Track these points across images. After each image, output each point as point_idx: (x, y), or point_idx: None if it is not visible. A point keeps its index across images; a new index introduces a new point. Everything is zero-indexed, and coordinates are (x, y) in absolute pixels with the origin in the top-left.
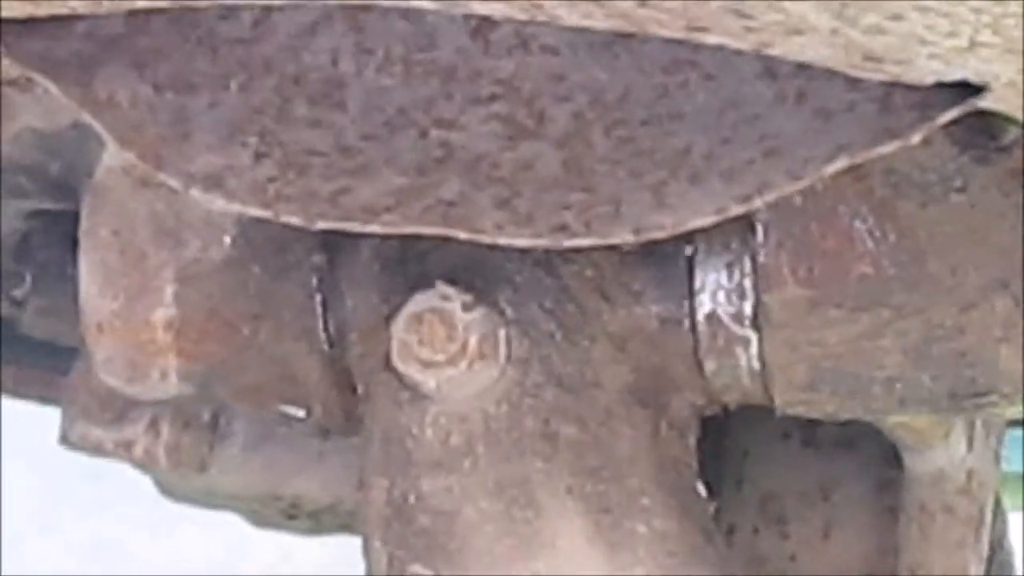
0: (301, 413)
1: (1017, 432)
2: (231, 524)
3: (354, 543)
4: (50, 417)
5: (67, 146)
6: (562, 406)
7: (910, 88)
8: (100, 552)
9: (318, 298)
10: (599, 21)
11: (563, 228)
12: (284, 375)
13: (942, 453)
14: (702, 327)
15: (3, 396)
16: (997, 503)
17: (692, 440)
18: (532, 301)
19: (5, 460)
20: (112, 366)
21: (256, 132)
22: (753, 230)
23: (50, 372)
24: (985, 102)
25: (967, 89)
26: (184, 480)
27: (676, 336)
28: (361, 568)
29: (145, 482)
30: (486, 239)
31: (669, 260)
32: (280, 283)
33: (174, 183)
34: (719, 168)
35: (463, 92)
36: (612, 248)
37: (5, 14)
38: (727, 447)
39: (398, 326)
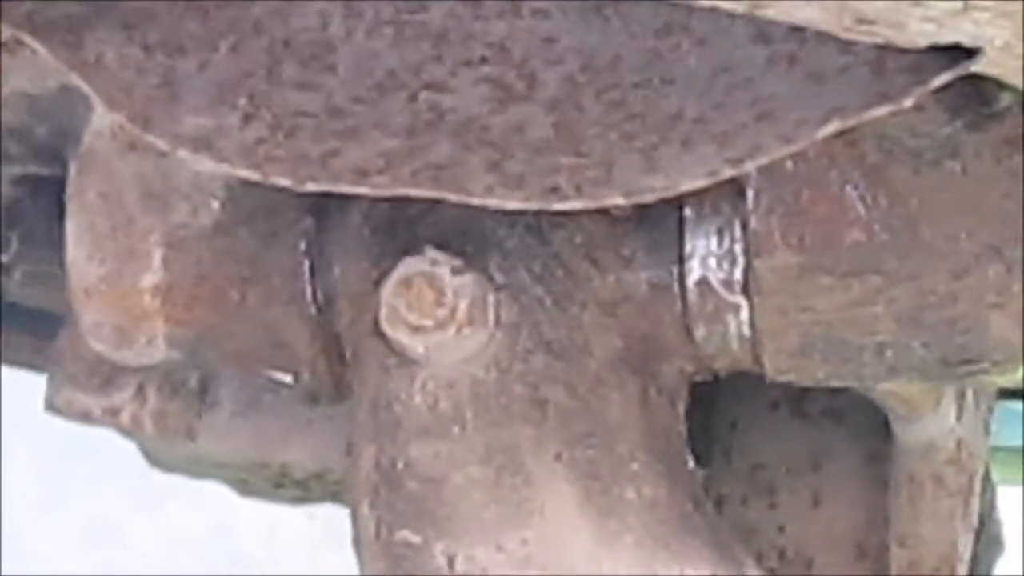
0: (289, 379)
1: (1017, 406)
2: (218, 498)
3: (341, 520)
4: (39, 387)
5: (55, 110)
6: (551, 372)
7: (903, 52)
8: (86, 529)
9: (307, 263)
10: None
11: (554, 190)
12: (272, 340)
13: (932, 423)
14: (692, 293)
15: None
16: (986, 474)
17: (681, 407)
18: (522, 266)
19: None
20: (99, 331)
21: (245, 94)
22: (744, 196)
23: (37, 338)
24: (979, 66)
25: (961, 53)
26: (171, 448)
27: (666, 302)
28: (348, 545)
29: (131, 458)
30: (476, 201)
31: (659, 226)
32: (269, 248)
33: (162, 144)
34: (711, 132)
35: (453, 55)
36: (602, 214)
37: None
38: (716, 417)
39: (387, 291)
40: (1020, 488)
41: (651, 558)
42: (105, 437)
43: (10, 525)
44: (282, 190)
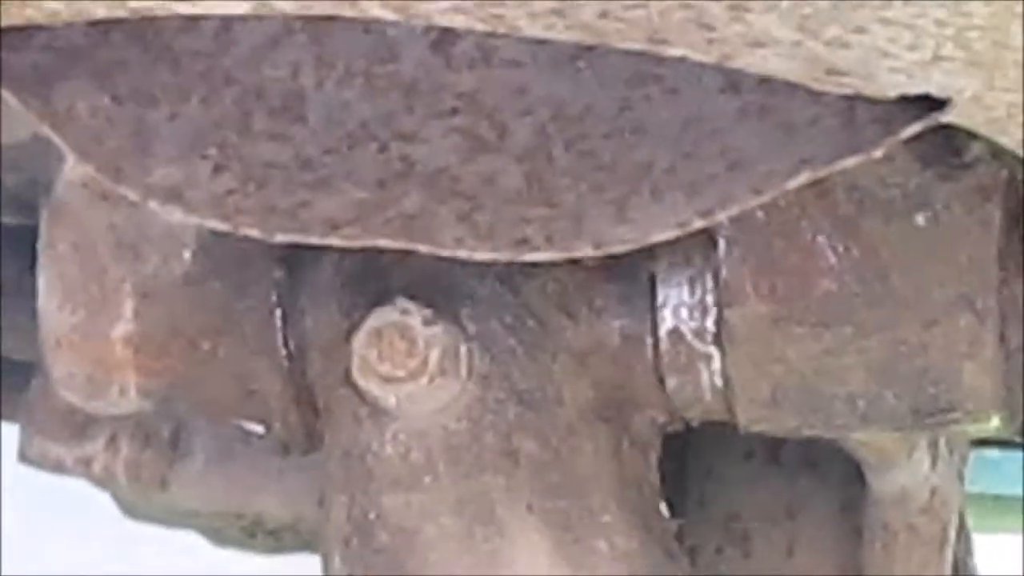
0: (261, 429)
1: (1016, 454)
2: (192, 548)
3: (314, 570)
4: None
5: (27, 159)
6: (523, 422)
7: (873, 102)
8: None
9: (278, 313)
10: (561, 33)
11: (524, 242)
12: (244, 391)
13: (905, 472)
14: (664, 343)
15: None
16: (961, 522)
17: (654, 457)
18: (493, 317)
19: None
20: (71, 382)
21: (216, 145)
22: (715, 245)
23: (8, 389)
24: (948, 117)
25: (930, 103)
26: (144, 498)
27: (638, 352)
28: None
29: (106, 506)
30: (447, 252)
31: (631, 276)
32: (240, 298)
33: (133, 196)
34: (681, 182)
35: (424, 106)
36: (574, 263)
37: None
38: (690, 466)
39: (358, 341)
40: (997, 536)
41: None
42: (80, 485)
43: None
44: (253, 241)
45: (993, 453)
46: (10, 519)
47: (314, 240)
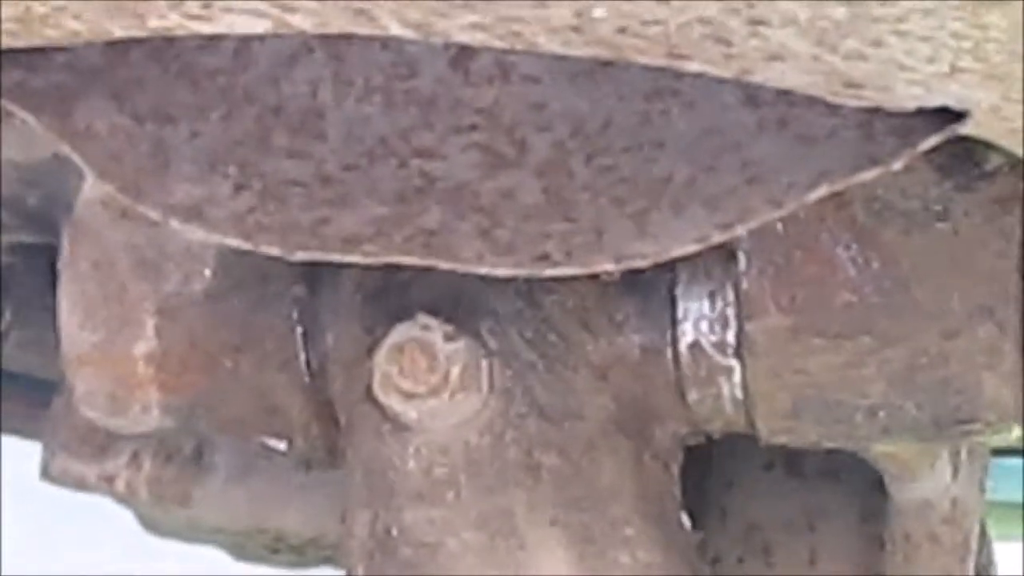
0: (283, 445)
1: (1016, 462)
2: (213, 561)
3: None
4: (36, 448)
5: (46, 178)
6: (545, 437)
7: (891, 115)
8: None
9: (299, 330)
10: (579, 49)
11: (544, 257)
12: (266, 407)
13: (927, 482)
14: (685, 356)
15: None
16: (982, 532)
17: (675, 470)
18: (514, 331)
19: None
20: (93, 399)
21: (236, 163)
22: (735, 258)
23: (31, 406)
24: (967, 128)
25: (949, 115)
26: (166, 514)
27: (659, 366)
28: None
29: (126, 519)
30: (467, 268)
31: (651, 290)
32: (261, 315)
33: (153, 214)
34: (701, 196)
35: (443, 121)
36: (594, 278)
37: None
38: (711, 478)
39: (379, 357)
40: (1019, 544)
41: None
42: (100, 500)
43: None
44: (274, 258)
45: (1015, 462)
46: (25, 529)
47: (334, 257)
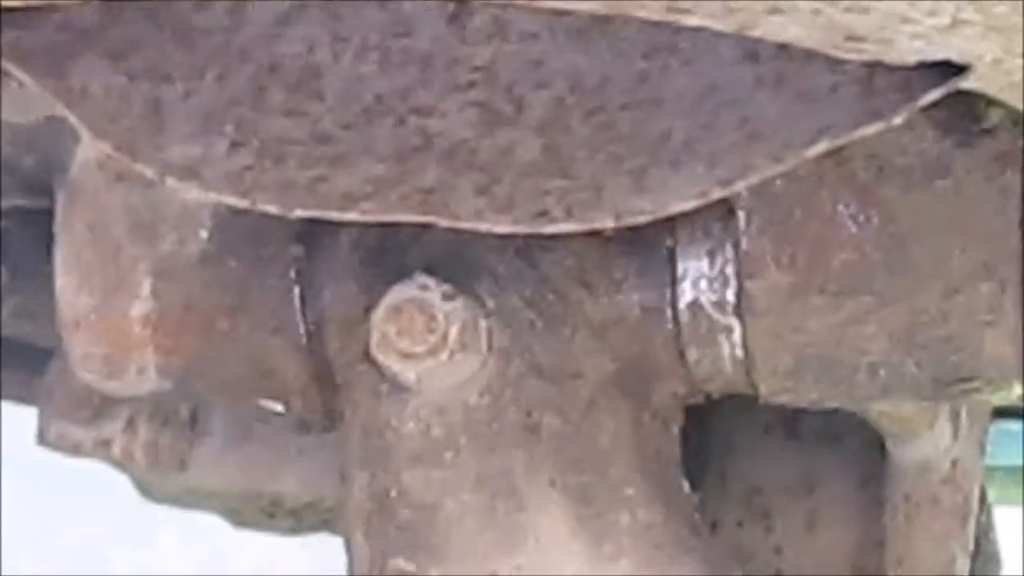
0: (280, 407)
1: (1016, 426)
2: (210, 529)
3: (334, 549)
4: (30, 419)
5: (41, 140)
6: (544, 397)
7: (892, 69)
8: (78, 561)
9: (296, 290)
10: (578, 3)
11: (543, 214)
12: (263, 369)
13: (927, 442)
14: (684, 315)
15: None
16: (982, 493)
17: (675, 430)
18: (512, 291)
19: None
20: (89, 362)
21: (232, 121)
22: (735, 217)
23: (27, 371)
24: (968, 83)
25: (950, 70)
26: (163, 479)
27: (658, 325)
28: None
29: (123, 490)
30: (465, 225)
31: (650, 248)
32: (258, 276)
33: (149, 173)
34: (700, 152)
35: (441, 79)
36: (593, 237)
37: None
38: (710, 441)
39: (377, 317)
40: (1019, 508)
41: None
42: (97, 468)
43: (4, 557)
44: (270, 218)
45: (1015, 425)
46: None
47: (332, 215)
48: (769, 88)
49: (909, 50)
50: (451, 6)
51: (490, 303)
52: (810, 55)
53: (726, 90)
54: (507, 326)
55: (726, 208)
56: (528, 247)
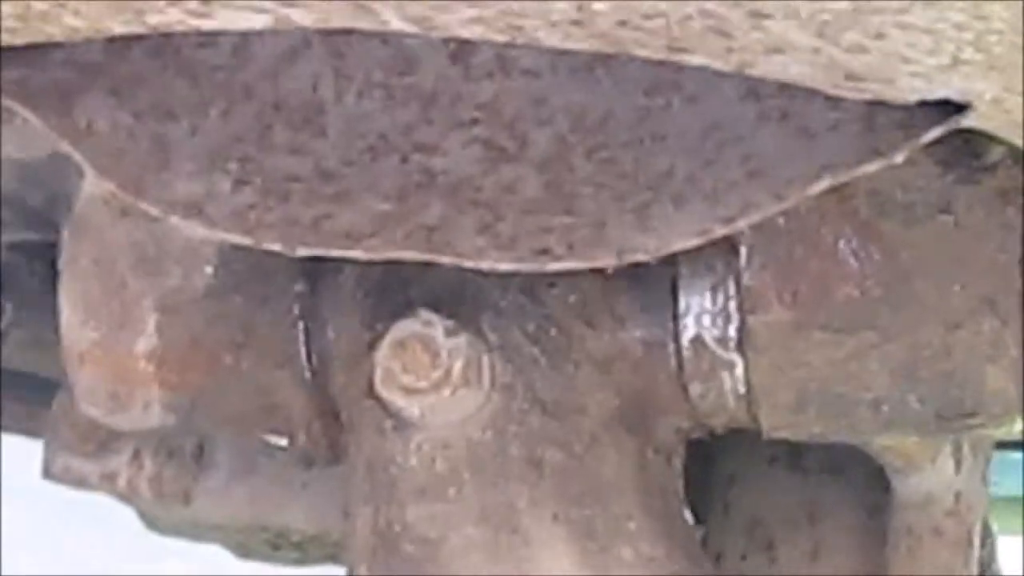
0: (284, 442)
1: (1016, 456)
2: (215, 559)
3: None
4: (39, 449)
5: (47, 176)
6: (547, 432)
7: (893, 107)
8: None
9: (300, 326)
10: (580, 42)
11: (546, 251)
12: (267, 404)
13: (930, 475)
14: (687, 351)
15: None
16: (985, 526)
17: (678, 464)
18: (515, 327)
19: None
20: (94, 397)
21: (236, 159)
22: (737, 252)
23: (32, 404)
24: (969, 120)
25: (950, 108)
26: (168, 512)
27: (661, 360)
28: None
29: (129, 517)
30: (468, 263)
31: (653, 284)
32: (262, 312)
33: (154, 211)
34: (702, 190)
35: (444, 116)
36: (595, 272)
37: None
38: (714, 473)
39: (381, 353)
40: (1020, 537)
41: None
42: (103, 497)
43: None
44: (275, 254)
45: (1017, 455)
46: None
47: (336, 253)
48: (771, 125)
49: (909, 89)
50: (454, 43)
51: (493, 338)
52: (811, 93)
53: (728, 127)
54: (510, 361)
55: (728, 244)
56: (531, 283)
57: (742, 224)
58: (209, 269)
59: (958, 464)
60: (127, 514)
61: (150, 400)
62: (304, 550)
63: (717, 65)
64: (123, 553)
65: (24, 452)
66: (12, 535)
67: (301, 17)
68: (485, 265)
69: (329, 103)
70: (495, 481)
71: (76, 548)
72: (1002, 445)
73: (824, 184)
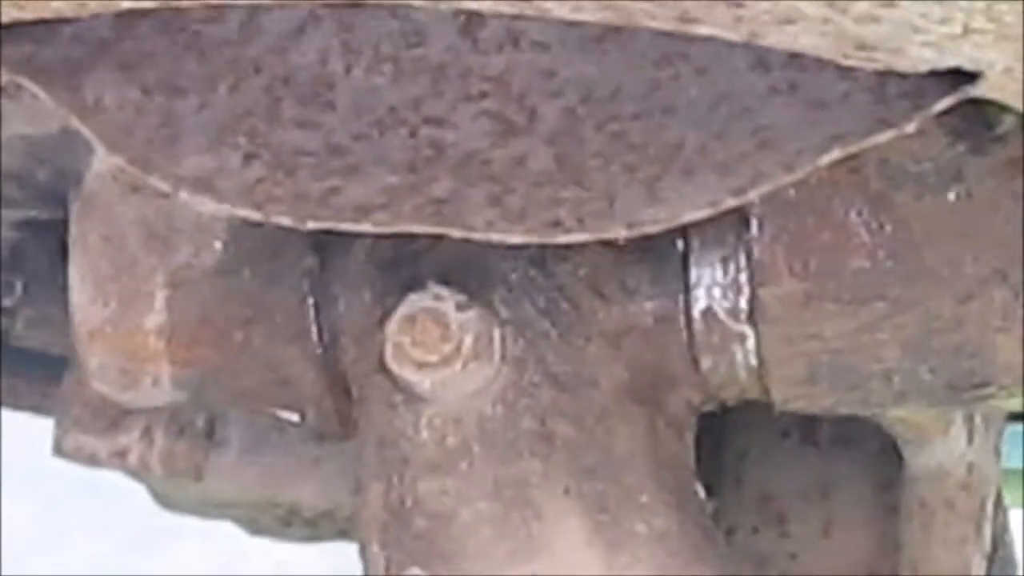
0: (295, 417)
1: (1017, 428)
2: (226, 537)
3: (351, 557)
4: (45, 429)
5: (55, 152)
6: (558, 405)
7: (903, 77)
8: (93, 570)
9: (310, 301)
10: (589, 14)
11: (556, 224)
12: (277, 379)
13: (942, 448)
14: (698, 323)
15: None
16: (998, 498)
17: (689, 438)
18: (526, 300)
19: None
20: (104, 374)
21: (245, 133)
22: (748, 224)
23: (42, 382)
24: (979, 90)
25: (961, 77)
26: (179, 489)
27: (672, 333)
28: None
29: (139, 498)
30: (478, 236)
31: (663, 256)
32: (272, 287)
33: (163, 186)
34: (712, 161)
35: (453, 90)
36: (606, 245)
37: None
38: (725, 447)
39: (391, 327)
40: (1021, 510)
41: None
42: (112, 476)
43: (14, 567)
44: (284, 229)
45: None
46: (14, 561)
47: (346, 226)
48: (781, 96)
49: (920, 59)
50: (463, 16)
51: (504, 312)
52: (822, 63)
53: (738, 98)
54: (521, 335)
55: (739, 215)
56: (542, 256)
57: (752, 195)
58: (219, 245)
59: (970, 435)
60: (136, 497)
61: (160, 376)
62: (316, 526)
63: (726, 36)
64: (132, 531)
65: (30, 428)
66: (14, 519)
67: None
68: (495, 238)
69: (338, 77)
70: (506, 455)
71: (80, 533)
72: (1013, 417)
73: (834, 155)
